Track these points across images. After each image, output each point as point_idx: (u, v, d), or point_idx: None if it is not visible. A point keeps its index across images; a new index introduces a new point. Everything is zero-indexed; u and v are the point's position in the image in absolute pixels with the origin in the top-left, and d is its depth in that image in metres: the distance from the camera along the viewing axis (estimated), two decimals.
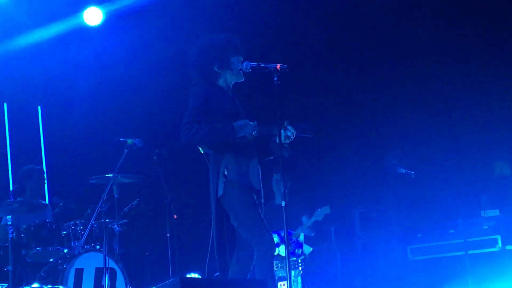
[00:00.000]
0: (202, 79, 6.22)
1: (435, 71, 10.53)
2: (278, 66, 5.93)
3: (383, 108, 10.74)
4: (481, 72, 10.32)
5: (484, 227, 9.53)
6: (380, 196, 10.42)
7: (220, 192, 6.04)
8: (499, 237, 9.37)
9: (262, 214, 6.13)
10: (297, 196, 9.48)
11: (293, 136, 6.04)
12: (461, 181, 10.04)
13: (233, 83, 6.28)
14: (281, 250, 8.41)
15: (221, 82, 6.25)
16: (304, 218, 9.37)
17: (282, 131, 5.98)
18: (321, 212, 9.13)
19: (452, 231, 9.64)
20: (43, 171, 9.45)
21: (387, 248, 9.90)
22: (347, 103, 10.90)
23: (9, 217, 7.95)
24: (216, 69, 6.22)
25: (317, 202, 9.50)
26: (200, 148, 6.16)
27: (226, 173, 6.05)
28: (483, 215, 9.62)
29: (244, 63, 6.18)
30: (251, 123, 6.02)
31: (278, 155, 5.95)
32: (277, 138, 5.95)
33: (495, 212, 9.62)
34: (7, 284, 7.42)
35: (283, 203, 5.82)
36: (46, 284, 7.66)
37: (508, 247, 9.29)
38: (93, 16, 10.53)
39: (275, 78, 5.92)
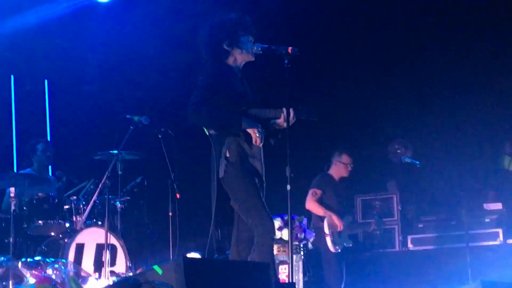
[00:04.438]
0: (212, 57, 6.19)
1: (445, 61, 10.50)
2: (290, 49, 5.90)
3: (391, 97, 10.72)
4: (490, 63, 10.30)
5: (486, 220, 9.51)
6: (383, 185, 10.41)
7: (221, 174, 6.01)
8: (500, 231, 9.36)
9: (264, 197, 6.12)
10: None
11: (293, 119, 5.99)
12: (466, 174, 10.01)
13: (243, 63, 6.25)
14: (284, 234, 8.41)
15: (230, 61, 6.21)
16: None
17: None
18: None
19: (454, 222, 9.62)
20: (49, 144, 9.44)
21: (388, 236, 9.88)
22: (355, 89, 10.87)
23: (12, 189, 7.97)
24: (225, 47, 6.19)
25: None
26: (205, 129, 6.14)
27: (227, 154, 6.03)
28: (485, 208, 9.61)
29: (255, 44, 6.15)
30: (259, 130, 5.98)
31: (286, 143, 5.90)
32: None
33: (497, 206, 9.60)
34: (10, 255, 7.42)
35: (288, 187, 5.80)
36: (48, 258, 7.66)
37: (510, 241, 9.28)
38: None
39: (286, 61, 5.90)
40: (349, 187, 9.71)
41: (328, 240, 9.07)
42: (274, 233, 6.09)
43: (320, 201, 9.28)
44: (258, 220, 5.94)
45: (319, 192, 9.30)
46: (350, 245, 9.22)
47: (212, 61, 6.17)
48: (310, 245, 9.06)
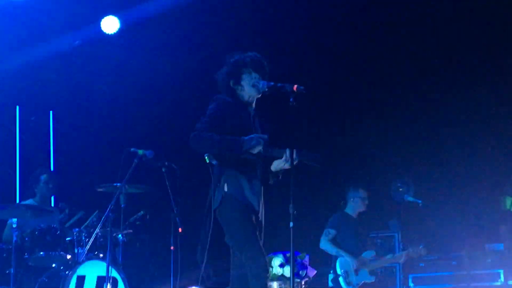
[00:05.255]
0: (224, 92, 6.30)
1: (447, 100, 10.54)
2: (295, 87, 5.90)
3: (392, 135, 10.76)
4: (490, 103, 10.34)
5: (487, 261, 9.50)
6: (385, 223, 10.41)
7: (216, 205, 6.05)
8: (501, 272, 9.36)
9: (262, 235, 6.12)
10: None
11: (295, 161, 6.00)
12: (467, 213, 10.02)
13: (252, 100, 6.30)
14: (286, 271, 8.40)
15: (240, 97, 6.29)
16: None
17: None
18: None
19: (455, 262, 9.62)
20: (53, 175, 9.46)
21: (389, 275, 9.87)
22: (357, 128, 10.92)
23: (14, 220, 7.98)
24: (231, 85, 6.28)
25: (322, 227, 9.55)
26: (206, 157, 6.15)
27: (225, 188, 6.05)
28: (487, 248, 9.60)
29: (261, 82, 6.20)
30: (257, 135, 6.00)
31: (291, 181, 5.90)
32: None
33: (499, 246, 9.60)
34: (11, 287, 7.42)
35: (291, 224, 5.79)
36: None
37: (510, 282, 9.26)
38: (110, 25, 10.55)
39: (291, 99, 5.92)
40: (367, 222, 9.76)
41: (341, 280, 9.14)
42: (267, 271, 6.07)
43: (334, 241, 9.33)
44: (251, 257, 5.93)
45: (332, 231, 9.37)
46: (373, 280, 9.22)
47: (224, 95, 6.25)
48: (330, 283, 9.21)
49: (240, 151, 5.95)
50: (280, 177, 6.21)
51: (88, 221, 8.66)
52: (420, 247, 9.26)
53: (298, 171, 5.95)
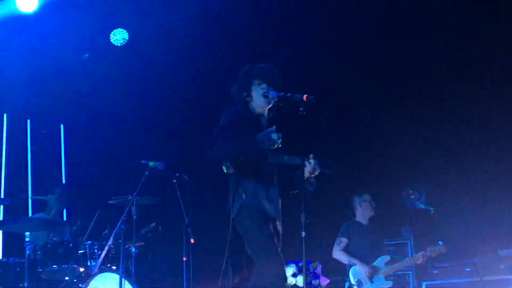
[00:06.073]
0: (238, 105, 6.35)
1: (458, 106, 10.51)
2: (305, 96, 5.91)
3: (404, 142, 10.71)
4: (507, 109, 10.29)
5: (501, 267, 9.46)
6: (397, 230, 10.38)
7: (234, 214, 6.05)
8: None
9: (280, 243, 6.11)
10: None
11: (318, 170, 6.03)
12: (480, 220, 9.98)
13: (264, 110, 6.30)
14: (299, 281, 8.39)
15: (252, 109, 6.30)
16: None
17: (309, 163, 5.99)
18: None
19: (468, 269, 9.58)
20: (67, 188, 9.48)
21: (402, 282, 9.83)
22: (367, 135, 10.90)
23: (27, 233, 7.99)
24: (244, 97, 6.31)
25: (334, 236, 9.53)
26: (224, 168, 6.16)
27: (243, 195, 6.06)
28: (500, 254, 9.56)
29: (271, 93, 6.20)
30: (273, 133, 5.98)
31: (301, 190, 5.91)
32: (301, 171, 5.96)
33: None
34: None
35: (303, 234, 5.78)
36: None
37: None
38: (117, 35, 10.55)
39: (301, 109, 5.92)
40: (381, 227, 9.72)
41: None
42: (285, 280, 6.06)
43: (347, 249, 9.31)
44: (269, 266, 5.91)
45: (344, 240, 9.35)
46: (390, 285, 9.15)
47: (237, 107, 6.28)
48: None
49: (257, 148, 5.93)
50: (310, 188, 6.16)
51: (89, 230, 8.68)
52: (440, 244, 9.17)
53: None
